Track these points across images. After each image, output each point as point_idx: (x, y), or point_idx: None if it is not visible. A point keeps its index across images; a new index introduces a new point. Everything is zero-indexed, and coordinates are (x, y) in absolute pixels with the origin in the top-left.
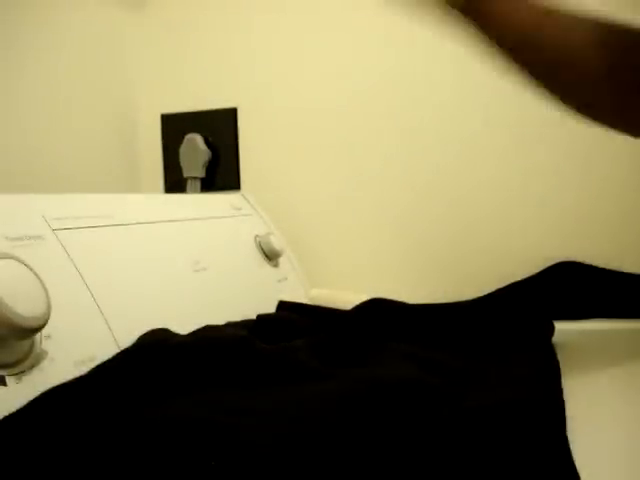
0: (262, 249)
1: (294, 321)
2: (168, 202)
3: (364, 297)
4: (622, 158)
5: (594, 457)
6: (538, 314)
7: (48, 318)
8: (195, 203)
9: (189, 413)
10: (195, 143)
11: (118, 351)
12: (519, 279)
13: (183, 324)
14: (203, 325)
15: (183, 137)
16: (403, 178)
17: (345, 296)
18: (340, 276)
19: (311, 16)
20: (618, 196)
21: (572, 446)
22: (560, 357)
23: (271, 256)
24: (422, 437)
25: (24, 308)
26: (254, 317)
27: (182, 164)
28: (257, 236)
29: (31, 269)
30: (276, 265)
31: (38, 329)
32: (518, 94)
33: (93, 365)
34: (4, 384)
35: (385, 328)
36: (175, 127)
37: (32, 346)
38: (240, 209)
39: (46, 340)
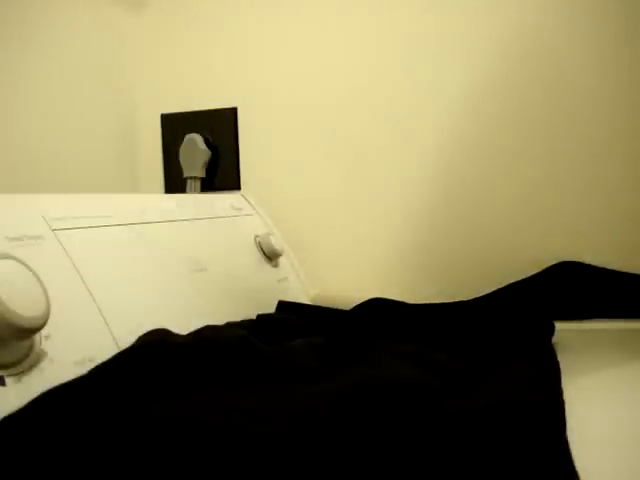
0: (262, 249)
1: (294, 321)
2: (168, 202)
3: (364, 297)
4: (623, 159)
5: (594, 458)
6: (538, 314)
7: (47, 318)
8: (195, 203)
9: (189, 413)
10: (195, 143)
11: (118, 351)
12: (519, 279)
13: (183, 324)
14: (203, 325)
15: (183, 137)
16: (403, 178)
17: (345, 296)
18: (340, 276)
19: (311, 16)
20: (619, 196)
21: (572, 447)
22: (560, 357)
23: (271, 256)
24: (421, 437)
25: (23, 308)
26: (254, 317)
27: (182, 164)
28: (257, 236)
29: (31, 269)
30: (276, 265)
31: (37, 329)
32: (520, 93)
33: (93, 365)
34: (3, 384)
35: (385, 328)
36: (175, 127)
37: (31, 346)
38: (240, 209)
39: (45, 340)
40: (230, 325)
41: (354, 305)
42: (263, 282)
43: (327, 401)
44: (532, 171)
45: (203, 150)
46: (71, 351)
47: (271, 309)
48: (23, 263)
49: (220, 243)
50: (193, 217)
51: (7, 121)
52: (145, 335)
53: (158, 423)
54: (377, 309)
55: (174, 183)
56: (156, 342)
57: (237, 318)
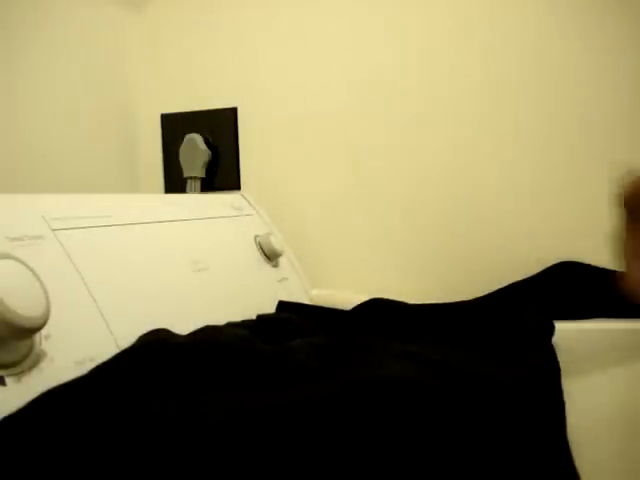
0: (262, 249)
1: (294, 321)
2: (168, 202)
3: (364, 297)
4: (623, 159)
5: (595, 457)
6: (538, 314)
7: (47, 318)
8: (195, 203)
9: (189, 413)
10: (195, 143)
11: (118, 351)
12: (519, 279)
13: (183, 324)
14: (203, 325)
15: (183, 137)
16: (403, 178)
17: (345, 296)
18: (340, 276)
19: (311, 16)
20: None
21: (572, 446)
22: (560, 357)
23: (271, 256)
24: (421, 437)
25: (24, 308)
26: (254, 317)
27: (182, 164)
28: (257, 236)
29: (31, 269)
30: (276, 265)
31: (37, 329)
32: (518, 93)
33: (93, 365)
34: (3, 384)
35: (385, 328)
36: (175, 127)
37: (31, 346)
38: (240, 209)
39: (45, 340)
40: (230, 325)
41: (354, 305)
42: (263, 282)
43: (327, 401)
44: (533, 171)
45: (203, 150)
46: (71, 351)
47: (271, 309)
48: (23, 263)
49: (220, 243)
50: (193, 217)
51: (7, 121)
52: (145, 335)
53: (158, 423)
54: (377, 309)
55: (174, 183)
56: (156, 342)
57: (237, 318)
